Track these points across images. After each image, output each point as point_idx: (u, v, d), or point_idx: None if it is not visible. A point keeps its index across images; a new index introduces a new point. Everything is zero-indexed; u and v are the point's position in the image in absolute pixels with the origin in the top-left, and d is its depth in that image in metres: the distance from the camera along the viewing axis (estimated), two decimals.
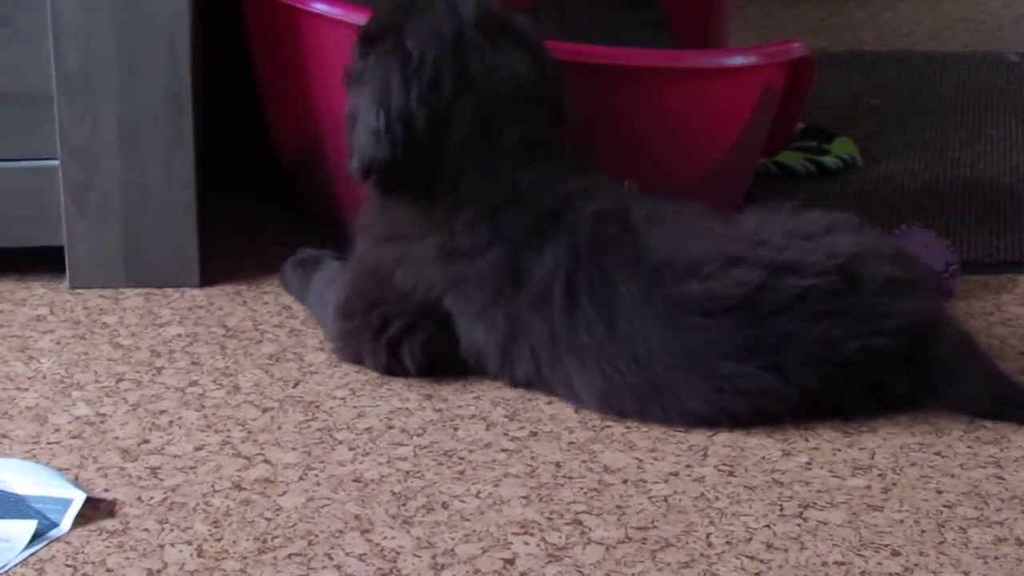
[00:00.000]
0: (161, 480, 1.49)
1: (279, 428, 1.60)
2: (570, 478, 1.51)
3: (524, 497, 1.48)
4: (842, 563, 1.37)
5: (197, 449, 1.55)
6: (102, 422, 1.60)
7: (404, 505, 1.46)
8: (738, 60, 1.97)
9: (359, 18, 1.87)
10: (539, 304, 1.62)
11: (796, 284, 1.57)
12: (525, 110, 1.67)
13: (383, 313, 1.69)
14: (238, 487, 1.48)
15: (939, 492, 1.49)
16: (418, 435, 1.59)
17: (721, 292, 1.57)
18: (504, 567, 1.36)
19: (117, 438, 1.57)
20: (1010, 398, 1.64)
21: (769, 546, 1.40)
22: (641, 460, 1.54)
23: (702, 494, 1.48)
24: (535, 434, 1.59)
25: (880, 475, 1.52)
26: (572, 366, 1.61)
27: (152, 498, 1.46)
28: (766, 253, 1.60)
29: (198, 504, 1.45)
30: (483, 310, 1.64)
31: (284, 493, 1.47)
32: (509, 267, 1.63)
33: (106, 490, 1.47)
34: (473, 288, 1.64)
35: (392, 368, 1.69)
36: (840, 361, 1.58)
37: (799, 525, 1.43)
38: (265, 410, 1.63)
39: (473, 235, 1.64)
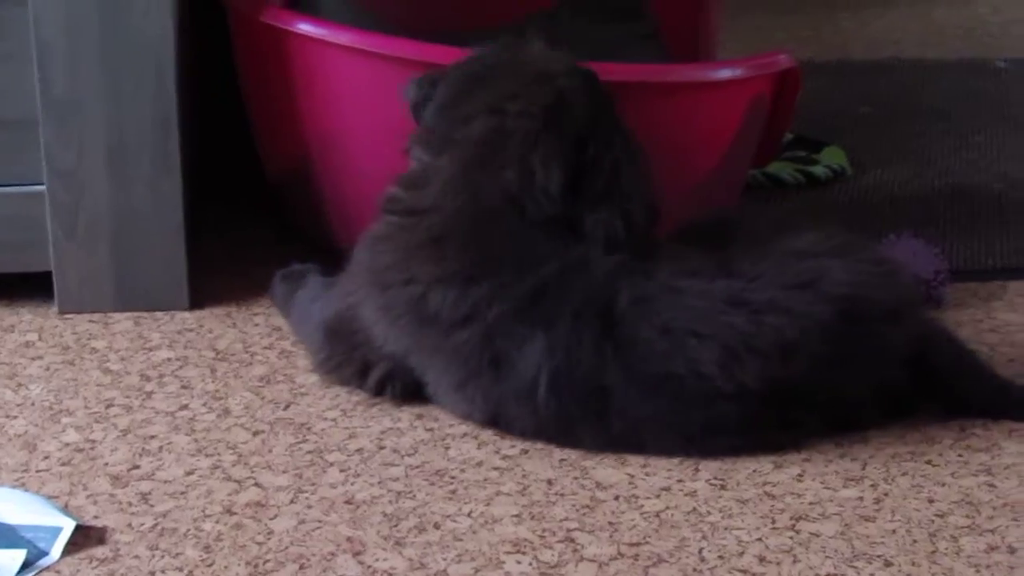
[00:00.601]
0: (152, 506, 1.49)
1: (270, 451, 1.59)
2: (562, 495, 1.51)
3: (516, 515, 1.47)
4: (835, 575, 1.37)
5: (188, 474, 1.55)
6: (92, 448, 1.60)
7: (396, 526, 1.45)
8: (725, 73, 1.96)
9: (345, 38, 1.88)
10: (523, 397, 1.59)
11: (795, 342, 1.54)
12: None
13: (365, 355, 1.69)
14: (229, 511, 1.48)
15: (931, 501, 1.49)
16: (409, 455, 1.59)
17: (723, 385, 1.54)
18: None
19: (107, 464, 1.56)
20: (1008, 397, 1.65)
21: (762, 559, 1.40)
22: (633, 476, 1.54)
23: (694, 509, 1.48)
24: (526, 452, 1.59)
25: (872, 485, 1.52)
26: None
27: (143, 524, 1.45)
28: (767, 333, 1.53)
29: (189, 529, 1.45)
30: (461, 384, 1.63)
31: (275, 516, 1.47)
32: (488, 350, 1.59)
33: (96, 517, 1.46)
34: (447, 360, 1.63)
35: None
36: (849, 402, 1.59)
37: (791, 538, 1.43)
38: (256, 433, 1.63)
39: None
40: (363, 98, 1.89)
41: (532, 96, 1.66)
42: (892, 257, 1.74)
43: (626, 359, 1.55)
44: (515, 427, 1.61)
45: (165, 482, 1.53)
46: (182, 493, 1.51)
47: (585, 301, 1.57)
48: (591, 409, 1.57)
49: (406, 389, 1.68)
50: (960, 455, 1.57)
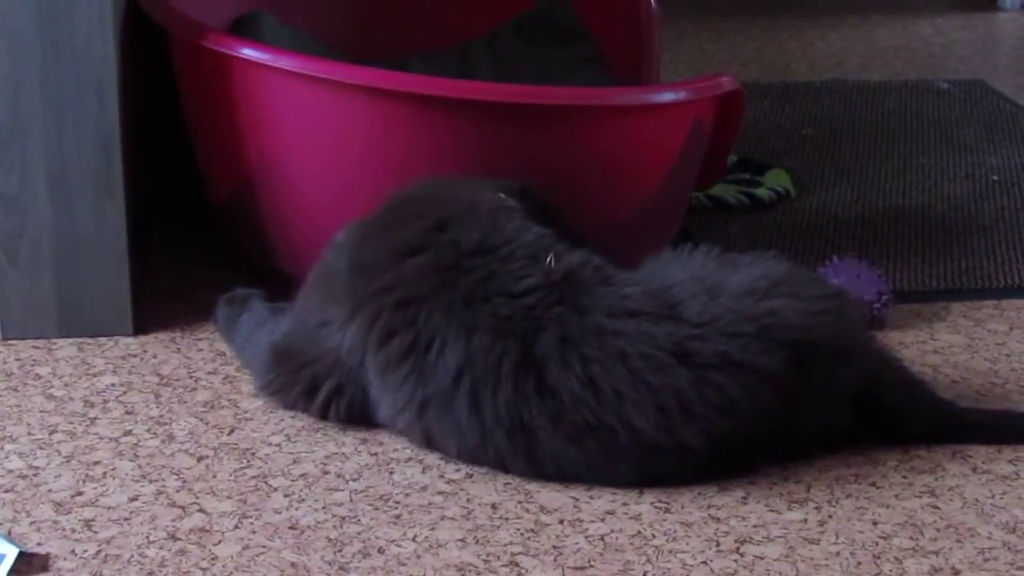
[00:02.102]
0: (95, 532, 1.48)
1: (214, 476, 1.59)
2: (506, 519, 1.51)
3: (461, 540, 1.47)
4: None
5: (132, 500, 1.54)
6: (35, 475, 1.58)
7: (340, 551, 1.45)
8: (668, 96, 1.97)
9: (286, 63, 1.88)
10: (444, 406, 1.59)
11: (740, 399, 1.52)
12: None
13: (314, 373, 1.68)
14: (173, 537, 1.47)
15: (875, 523, 1.50)
16: (354, 480, 1.58)
17: (661, 440, 1.52)
18: None
19: (50, 491, 1.55)
20: (951, 421, 1.66)
21: None
22: (577, 499, 1.54)
23: (639, 532, 1.48)
24: (471, 476, 1.59)
25: (816, 508, 1.53)
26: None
27: (86, 551, 1.44)
28: (710, 396, 1.51)
29: (133, 556, 1.44)
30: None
31: (219, 542, 1.46)
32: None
33: (39, 544, 1.45)
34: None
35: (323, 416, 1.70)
36: (796, 440, 1.59)
37: (736, 560, 1.43)
38: (200, 458, 1.62)
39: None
40: (305, 123, 1.89)
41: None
42: (839, 289, 1.73)
43: (548, 404, 1.53)
44: (446, 447, 1.61)
45: (109, 508, 1.52)
46: (126, 519, 1.50)
47: (507, 321, 1.56)
48: (519, 445, 1.55)
49: (351, 410, 1.67)
50: (904, 477, 1.58)
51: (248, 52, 1.90)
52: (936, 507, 1.53)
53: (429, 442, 1.62)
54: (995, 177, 2.51)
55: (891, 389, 1.64)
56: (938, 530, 1.49)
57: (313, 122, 1.90)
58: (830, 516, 1.51)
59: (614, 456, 1.53)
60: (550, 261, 1.60)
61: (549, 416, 1.53)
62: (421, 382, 1.58)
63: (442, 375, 1.56)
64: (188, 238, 2.21)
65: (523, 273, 1.59)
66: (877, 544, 1.46)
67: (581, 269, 1.59)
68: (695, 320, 1.54)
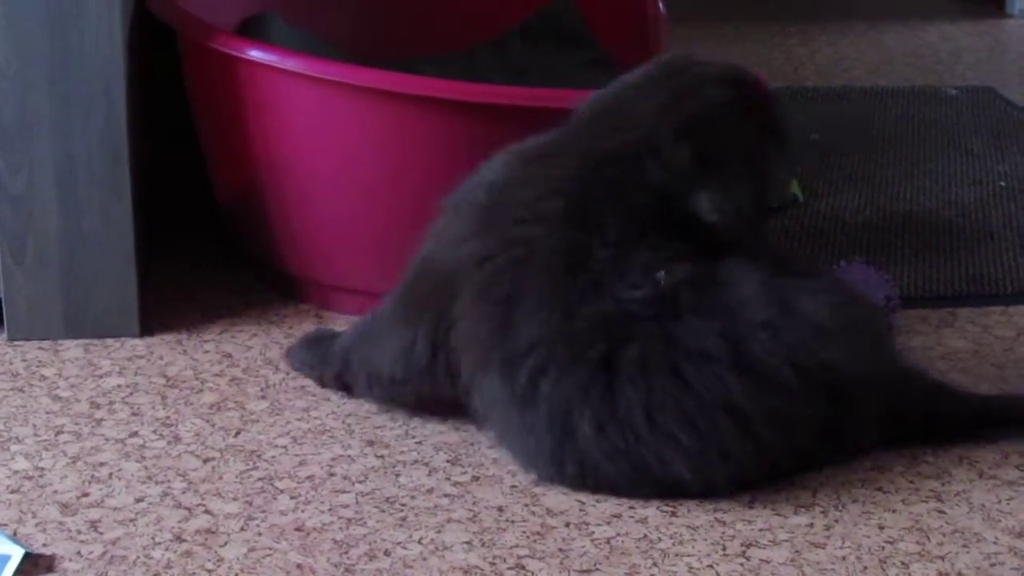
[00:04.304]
0: (101, 534, 1.47)
1: (220, 478, 1.59)
2: (512, 522, 1.51)
3: (467, 543, 1.47)
4: None
5: (137, 501, 1.54)
6: (41, 476, 1.58)
7: (346, 553, 1.45)
8: None
9: (295, 64, 1.88)
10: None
11: (784, 436, 1.54)
12: None
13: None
14: (179, 539, 1.47)
15: (881, 528, 1.49)
16: (360, 482, 1.58)
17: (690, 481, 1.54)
18: None
19: (56, 492, 1.55)
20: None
21: None
22: (583, 502, 1.54)
23: (645, 535, 1.48)
24: (477, 479, 1.59)
25: (823, 512, 1.52)
26: None
27: (92, 552, 1.44)
28: (749, 446, 1.52)
29: (138, 557, 1.44)
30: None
31: (225, 544, 1.46)
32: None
33: (45, 545, 1.45)
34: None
35: None
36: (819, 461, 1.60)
37: (742, 564, 1.43)
38: (206, 460, 1.62)
39: None
40: (313, 124, 1.89)
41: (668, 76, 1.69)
42: (879, 311, 1.72)
43: (602, 414, 1.52)
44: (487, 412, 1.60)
45: (115, 509, 1.52)
46: (131, 520, 1.50)
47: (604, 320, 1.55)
48: (554, 435, 1.54)
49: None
50: (911, 482, 1.58)
51: (255, 53, 1.90)
52: (942, 512, 1.52)
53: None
54: (1003, 183, 2.51)
55: (917, 403, 1.64)
56: (944, 535, 1.48)
57: (321, 124, 1.90)
58: (836, 520, 1.51)
59: (642, 480, 1.53)
60: (661, 276, 1.56)
61: (596, 425, 1.52)
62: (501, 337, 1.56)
63: (520, 338, 1.55)
64: (195, 239, 2.22)
65: (635, 283, 1.56)
66: (883, 548, 1.46)
67: (681, 290, 1.55)
68: (755, 367, 1.52)
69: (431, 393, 1.67)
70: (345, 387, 1.75)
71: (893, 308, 1.91)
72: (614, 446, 1.52)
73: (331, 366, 1.75)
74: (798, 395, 1.52)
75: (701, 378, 1.51)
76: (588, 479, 1.55)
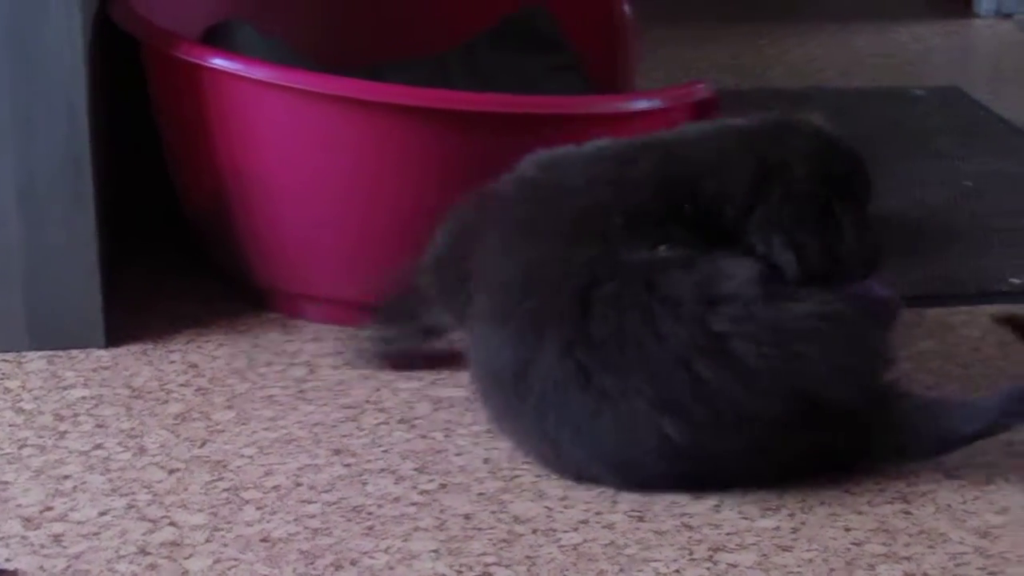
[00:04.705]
0: (64, 548, 1.47)
1: (185, 489, 1.58)
2: (480, 529, 1.50)
3: (434, 551, 1.46)
4: None
5: (102, 514, 1.53)
6: (4, 490, 1.57)
7: (312, 564, 1.44)
8: (643, 104, 1.97)
9: (260, 73, 1.87)
10: None
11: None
12: None
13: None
14: (144, 551, 1.46)
15: (847, 529, 1.49)
16: (326, 491, 1.57)
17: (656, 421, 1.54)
18: None
19: (19, 505, 1.54)
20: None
21: None
22: (551, 509, 1.54)
23: (612, 541, 1.48)
24: (444, 486, 1.58)
25: (790, 515, 1.52)
26: None
27: (55, 566, 1.43)
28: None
29: (102, 571, 1.43)
30: None
31: (190, 556, 1.46)
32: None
33: (8, 560, 1.44)
34: None
35: None
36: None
37: (709, 569, 1.43)
38: (171, 471, 1.62)
39: None
40: (280, 133, 1.89)
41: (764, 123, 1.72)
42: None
43: (568, 335, 1.54)
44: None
45: (79, 523, 1.51)
46: (96, 534, 1.49)
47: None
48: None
49: None
50: (876, 483, 1.58)
51: (220, 62, 1.89)
52: (909, 513, 1.52)
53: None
54: (969, 183, 2.51)
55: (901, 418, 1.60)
56: (910, 536, 1.48)
57: (288, 132, 1.89)
58: (803, 523, 1.51)
59: (597, 412, 1.53)
60: (663, 248, 1.59)
61: (564, 345, 1.53)
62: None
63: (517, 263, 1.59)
64: (161, 249, 2.20)
65: (637, 247, 1.59)
66: (850, 550, 1.46)
67: (677, 258, 1.58)
68: (721, 332, 1.52)
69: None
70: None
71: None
72: (579, 368, 1.52)
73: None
74: (756, 379, 1.51)
75: (668, 324, 1.52)
76: (548, 411, 1.55)
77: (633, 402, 1.51)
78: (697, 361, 1.51)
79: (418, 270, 1.75)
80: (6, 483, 1.59)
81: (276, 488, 1.58)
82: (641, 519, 1.51)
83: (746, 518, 1.52)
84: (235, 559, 1.45)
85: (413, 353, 1.84)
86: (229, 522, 1.51)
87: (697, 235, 1.61)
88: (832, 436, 1.55)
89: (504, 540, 1.48)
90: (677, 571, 1.43)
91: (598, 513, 1.53)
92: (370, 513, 1.53)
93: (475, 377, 1.66)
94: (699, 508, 1.53)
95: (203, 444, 1.67)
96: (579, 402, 1.53)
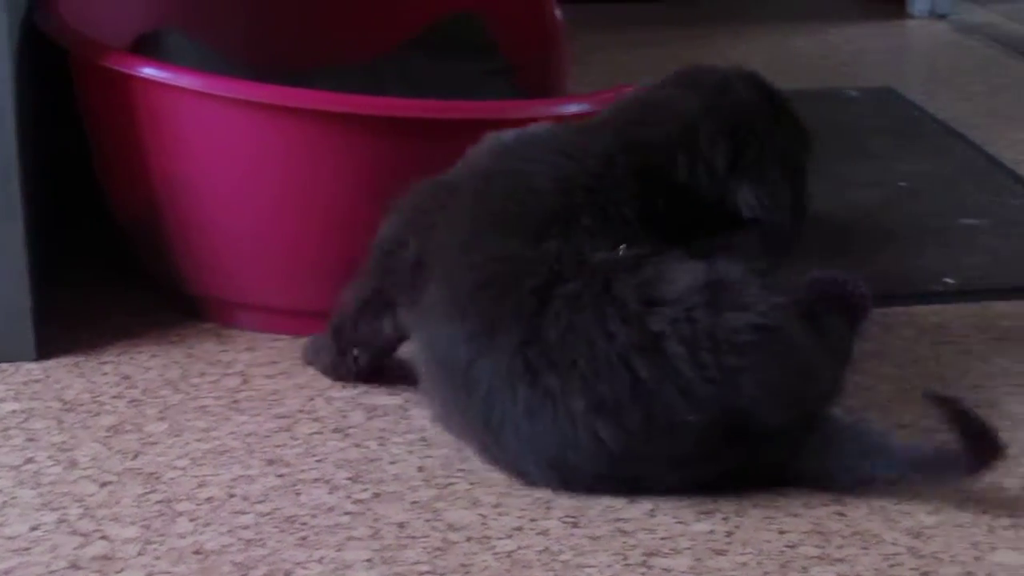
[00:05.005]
0: None
1: (117, 503, 1.57)
2: (414, 538, 1.50)
3: (367, 560, 1.46)
4: None
5: (32, 529, 1.51)
6: None
7: (246, 575, 1.43)
8: (572, 108, 1.96)
9: (189, 81, 1.86)
10: None
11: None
12: None
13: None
14: (75, 566, 1.45)
15: (782, 532, 1.50)
16: (260, 502, 1.56)
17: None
18: None
19: None
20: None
21: None
22: (485, 516, 1.53)
23: (547, 548, 1.47)
24: (378, 495, 1.57)
25: (724, 518, 1.52)
26: None
27: None
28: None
29: None
30: None
31: (122, 570, 1.44)
32: None
33: None
34: None
35: None
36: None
37: (643, 574, 1.43)
38: (103, 484, 1.60)
39: None
40: (209, 141, 1.88)
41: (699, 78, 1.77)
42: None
43: (523, 332, 1.55)
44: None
45: (8, 538, 1.50)
46: (26, 549, 1.48)
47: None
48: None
49: None
50: (811, 485, 1.58)
51: (150, 72, 1.88)
52: (842, 514, 1.53)
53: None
54: (904, 184, 2.52)
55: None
56: (844, 537, 1.49)
57: (218, 141, 1.88)
58: (738, 527, 1.51)
59: (538, 409, 1.53)
60: (622, 248, 1.61)
61: (520, 342, 1.54)
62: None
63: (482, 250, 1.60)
64: (92, 260, 2.18)
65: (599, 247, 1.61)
66: (784, 553, 1.46)
67: (629, 260, 1.59)
68: (659, 333, 1.52)
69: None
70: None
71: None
72: (527, 366, 1.53)
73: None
74: (689, 385, 1.50)
75: (616, 324, 1.52)
76: (495, 406, 1.55)
77: (572, 402, 1.52)
78: (635, 359, 1.51)
79: (367, 259, 1.75)
80: None
81: (209, 500, 1.57)
82: (576, 525, 1.51)
83: (681, 522, 1.52)
84: (168, 572, 1.44)
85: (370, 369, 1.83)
86: (162, 535, 1.50)
87: (668, 227, 1.65)
88: (760, 454, 1.54)
89: (438, 548, 1.48)
90: None
91: (532, 520, 1.52)
92: (304, 523, 1.52)
93: (424, 367, 1.65)
94: (634, 513, 1.53)
95: (136, 456, 1.66)
96: (524, 399, 1.53)
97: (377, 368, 1.81)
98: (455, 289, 1.60)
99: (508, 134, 1.76)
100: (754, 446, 1.53)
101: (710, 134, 1.71)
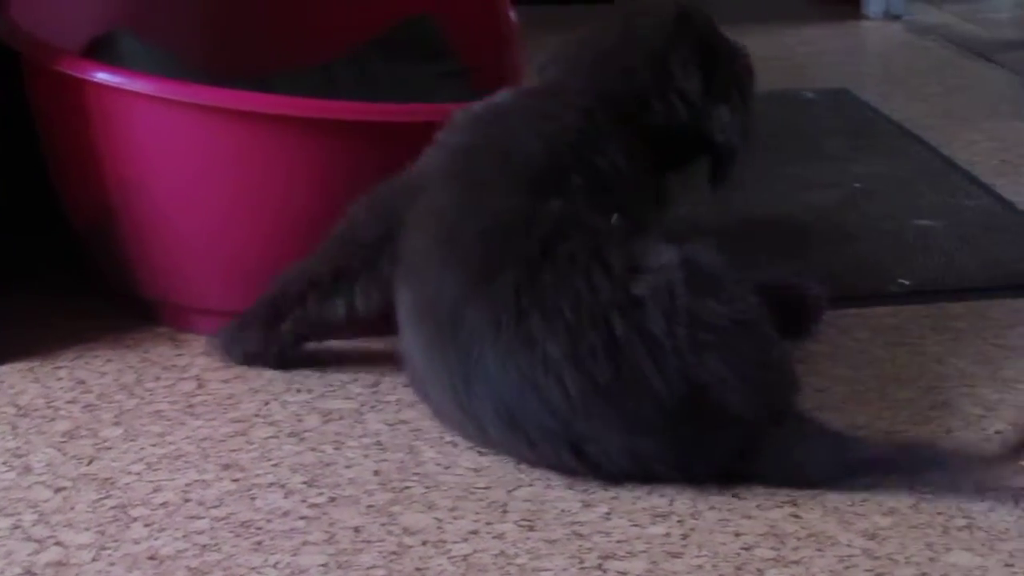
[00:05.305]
0: None
1: (72, 508, 1.56)
2: (369, 542, 1.49)
3: (323, 565, 1.45)
4: None
5: None
6: None
7: None
8: None
9: (142, 85, 1.86)
10: None
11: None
12: None
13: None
14: (29, 572, 1.44)
15: (737, 535, 1.50)
16: (215, 507, 1.56)
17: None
18: None
19: None
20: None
21: None
22: (441, 520, 1.53)
23: (502, 551, 1.47)
24: (334, 499, 1.57)
25: (680, 521, 1.52)
26: None
27: None
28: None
29: None
30: None
31: None
32: None
33: None
34: None
35: None
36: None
37: None
38: (58, 490, 1.60)
39: None
40: (164, 146, 1.87)
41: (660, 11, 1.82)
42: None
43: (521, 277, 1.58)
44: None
45: None
46: None
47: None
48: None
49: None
50: (766, 487, 1.58)
51: (103, 76, 1.87)
52: (798, 516, 1.53)
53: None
54: (858, 185, 2.53)
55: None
56: (799, 539, 1.49)
57: (171, 145, 1.87)
58: (693, 529, 1.51)
59: (520, 355, 1.55)
60: (615, 218, 1.64)
61: (515, 284, 1.57)
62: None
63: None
64: (47, 265, 2.17)
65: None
66: (739, 555, 1.46)
67: (620, 233, 1.63)
68: (638, 301, 1.55)
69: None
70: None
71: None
72: (518, 309, 1.56)
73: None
74: (662, 353, 1.53)
75: (600, 281, 1.56)
76: (474, 347, 1.57)
77: (551, 347, 1.54)
78: (614, 316, 1.54)
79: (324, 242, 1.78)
80: None
81: (164, 505, 1.56)
82: (531, 528, 1.51)
83: (636, 525, 1.52)
84: None
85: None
86: (116, 540, 1.50)
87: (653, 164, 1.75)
88: (718, 438, 1.55)
89: (394, 552, 1.47)
90: None
91: (488, 523, 1.52)
92: (259, 528, 1.52)
93: (407, 315, 1.67)
94: (589, 516, 1.53)
95: (91, 462, 1.65)
96: (506, 339, 1.56)
97: (304, 354, 1.85)
98: (455, 236, 1.63)
99: (476, 106, 1.79)
100: (712, 428, 1.54)
101: (682, 62, 1.77)
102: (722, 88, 1.81)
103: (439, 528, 1.52)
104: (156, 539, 1.50)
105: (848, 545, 1.48)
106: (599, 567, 1.45)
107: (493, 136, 1.73)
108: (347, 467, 1.63)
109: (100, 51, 2.15)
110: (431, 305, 1.62)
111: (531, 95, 1.82)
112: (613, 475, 1.58)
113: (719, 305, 1.56)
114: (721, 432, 1.54)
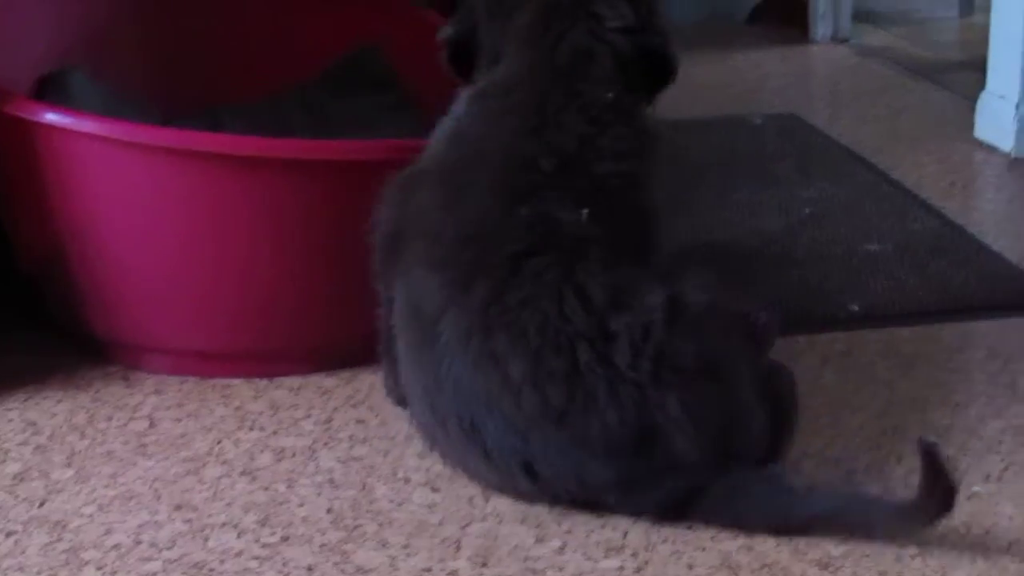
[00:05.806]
0: None
1: (23, 552, 1.55)
2: None
3: None
4: None
5: None
6: None
7: None
8: None
9: (92, 127, 1.85)
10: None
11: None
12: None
13: None
14: None
15: (690, 567, 1.50)
16: (167, 548, 1.55)
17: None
18: None
19: None
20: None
21: None
22: (394, 557, 1.53)
23: None
24: (287, 538, 1.57)
25: (633, 554, 1.53)
26: None
27: None
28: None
29: None
30: None
31: None
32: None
33: None
34: None
35: None
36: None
37: None
38: (8, 534, 1.59)
39: None
40: (111, 185, 1.87)
41: None
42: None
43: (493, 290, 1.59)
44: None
45: None
46: None
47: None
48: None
49: None
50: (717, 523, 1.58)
51: (51, 117, 1.87)
52: (750, 548, 1.53)
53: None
54: (808, 210, 2.54)
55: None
56: (753, 570, 1.49)
57: (121, 185, 1.87)
58: (647, 562, 1.51)
59: (489, 376, 1.57)
60: (584, 213, 1.64)
61: (486, 298, 1.59)
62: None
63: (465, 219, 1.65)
64: None
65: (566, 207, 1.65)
66: None
67: (589, 241, 1.62)
68: (612, 336, 1.56)
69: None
70: None
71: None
72: (485, 325, 1.57)
73: None
74: (622, 386, 1.53)
75: (573, 309, 1.56)
76: (445, 358, 1.59)
77: (512, 367, 1.55)
78: (580, 345, 1.55)
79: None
80: None
81: (116, 547, 1.56)
82: (484, 565, 1.51)
83: (590, 559, 1.52)
84: None
85: None
86: None
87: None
88: (669, 479, 1.55)
89: None
90: None
91: (441, 560, 1.52)
92: (212, 569, 1.52)
93: (396, 309, 1.69)
94: (543, 551, 1.53)
95: (42, 504, 1.65)
96: (473, 354, 1.57)
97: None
98: (438, 241, 1.64)
99: (482, 83, 1.81)
100: (658, 466, 1.55)
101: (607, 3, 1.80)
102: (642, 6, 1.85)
103: (392, 566, 1.51)
104: None
105: (800, 573, 1.48)
106: None
107: (468, 142, 1.74)
108: (300, 505, 1.63)
109: (50, 89, 2.14)
110: (416, 309, 1.64)
111: (493, 98, 1.80)
112: (562, 499, 1.58)
113: (691, 346, 1.56)
114: (667, 471, 1.54)
